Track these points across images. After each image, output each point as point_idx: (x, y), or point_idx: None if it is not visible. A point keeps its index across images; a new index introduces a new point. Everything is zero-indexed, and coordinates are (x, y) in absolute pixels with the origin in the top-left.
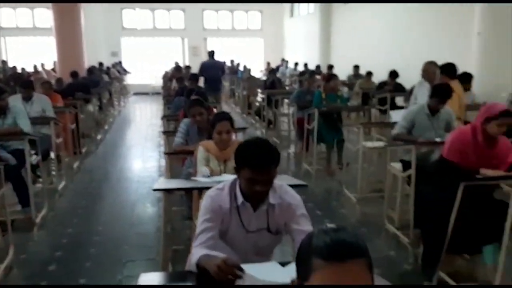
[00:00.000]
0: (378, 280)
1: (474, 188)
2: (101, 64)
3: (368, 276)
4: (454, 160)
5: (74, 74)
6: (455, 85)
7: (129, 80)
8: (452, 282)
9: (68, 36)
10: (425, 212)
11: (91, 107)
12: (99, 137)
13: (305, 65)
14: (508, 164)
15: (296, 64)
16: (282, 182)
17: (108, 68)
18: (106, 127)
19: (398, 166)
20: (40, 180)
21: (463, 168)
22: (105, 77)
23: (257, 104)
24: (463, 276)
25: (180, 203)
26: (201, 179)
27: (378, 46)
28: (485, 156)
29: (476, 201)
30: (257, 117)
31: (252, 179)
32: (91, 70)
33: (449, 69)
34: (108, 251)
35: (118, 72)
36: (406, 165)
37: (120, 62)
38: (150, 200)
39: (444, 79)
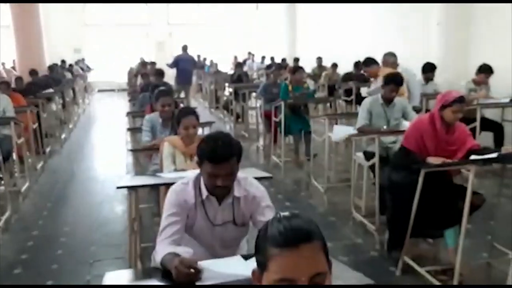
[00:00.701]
0: (341, 267)
1: (434, 174)
2: (63, 61)
3: (322, 258)
4: (411, 148)
5: (33, 72)
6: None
7: (93, 77)
8: (416, 266)
9: (27, 34)
10: (388, 199)
11: (53, 106)
12: (63, 136)
13: (272, 58)
14: (466, 150)
15: (263, 57)
16: (247, 174)
17: (70, 65)
18: (70, 125)
19: (362, 156)
20: (2, 182)
21: (417, 155)
22: (68, 75)
23: (225, 98)
24: (427, 259)
25: (148, 200)
26: (166, 175)
27: (342, 38)
28: (444, 143)
29: (436, 186)
30: (225, 111)
31: (212, 173)
32: (52, 67)
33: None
34: (75, 252)
35: (82, 69)
36: (368, 156)
37: (83, 59)
38: (118, 198)
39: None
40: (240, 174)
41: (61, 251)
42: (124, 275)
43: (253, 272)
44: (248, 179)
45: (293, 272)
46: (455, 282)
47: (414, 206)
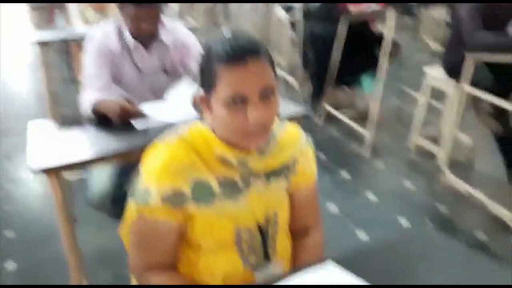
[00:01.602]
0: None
1: (354, 24)
2: None
3: (270, 71)
4: None
5: None
6: None
7: None
8: (335, 112)
9: None
10: (311, 52)
11: None
12: None
13: None
14: None
15: None
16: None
17: None
18: None
19: (283, 10)
20: None
21: (338, 6)
22: None
23: None
24: (344, 105)
25: (58, 67)
26: (77, 30)
27: None
28: None
29: (356, 35)
30: None
31: (135, 15)
32: None
33: None
34: None
35: None
36: (290, 11)
37: None
38: (22, 68)
39: None
40: (169, 21)
41: None
42: (49, 124)
43: (199, 98)
44: (176, 26)
45: (243, 87)
46: (370, 124)
47: (335, 55)
